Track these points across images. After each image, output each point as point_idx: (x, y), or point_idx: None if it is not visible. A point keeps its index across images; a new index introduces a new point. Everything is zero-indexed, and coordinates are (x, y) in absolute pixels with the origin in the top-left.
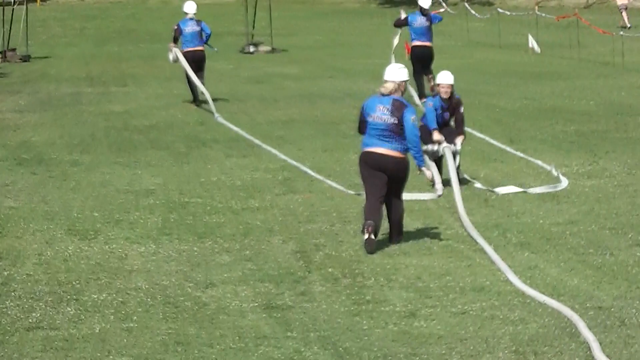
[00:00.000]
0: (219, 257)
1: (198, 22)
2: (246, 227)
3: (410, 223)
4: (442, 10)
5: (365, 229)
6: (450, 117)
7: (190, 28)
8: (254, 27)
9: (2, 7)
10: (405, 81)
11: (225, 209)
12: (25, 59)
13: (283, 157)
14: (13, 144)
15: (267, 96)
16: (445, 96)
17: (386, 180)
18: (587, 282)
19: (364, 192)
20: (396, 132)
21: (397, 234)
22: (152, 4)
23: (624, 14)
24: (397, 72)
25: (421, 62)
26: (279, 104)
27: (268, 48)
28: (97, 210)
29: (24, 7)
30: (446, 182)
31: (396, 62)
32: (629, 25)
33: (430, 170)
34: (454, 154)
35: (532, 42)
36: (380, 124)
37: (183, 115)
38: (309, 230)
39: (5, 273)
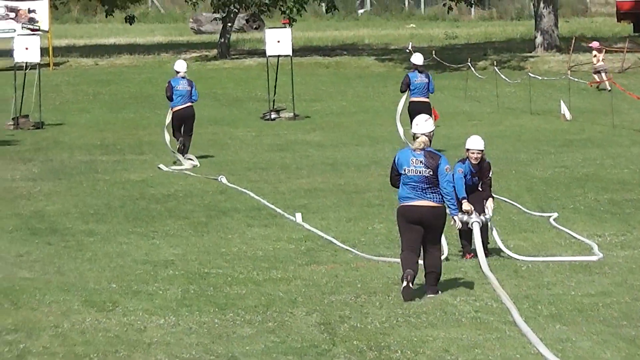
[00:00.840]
0: (241, 329)
1: (189, 82)
2: (268, 298)
3: (438, 296)
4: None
5: (405, 278)
6: (479, 181)
7: (181, 86)
8: (275, 93)
9: (13, 72)
10: (433, 131)
11: (247, 280)
12: (38, 125)
13: (307, 226)
14: (27, 214)
15: (290, 164)
16: (475, 162)
17: (422, 232)
18: (620, 355)
19: (401, 244)
20: (432, 183)
21: (433, 283)
22: (169, 68)
23: (603, 75)
24: (425, 125)
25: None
26: (302, 172)
27: (290, 114)
28: (114, 282)
29: (37, 71)
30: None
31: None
32: (609, 89)
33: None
34: (485, 223)
35: (563, 109)
36: (416, 177)
37: (202, 184)
38: (333, 302)
39: (21, 346)
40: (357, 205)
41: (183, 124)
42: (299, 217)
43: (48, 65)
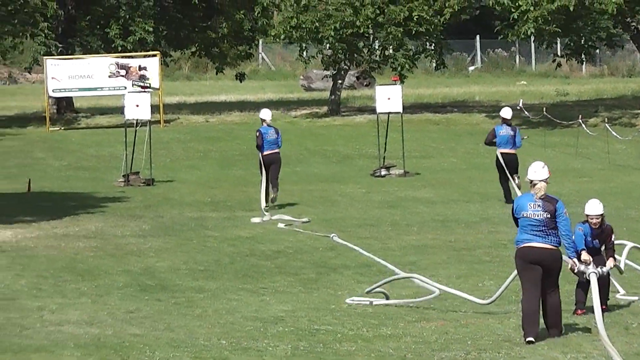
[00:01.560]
0: None
1: (276, 130)
2: (378, 355)
3: (547, 352)
4: (525, 137)
5: (526, 335)
6: (600, 244)
7: (270, 135)
8: (385, 150)
9: (124, 129)
10: (549, 177)
11: (356, 337)
12: (149, 182)
13: (418, 281)
14: (136, 270)
15: (400, 221)
16: (595, 227)
17: (541, 274)
18: None
19: (522, 288)
20: (549, 226)
21: (556, 327)
22: (279, 126)
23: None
24: (542, 172)
25: (508, 167)
26: (412, 228)
27: (401, 171)
28: (224, 338)
29: (147, 129)
30: (589, 309)
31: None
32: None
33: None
34: (602, 276)
35: None
36: (534, 221)
37: (312, 240)
38: (443, 359)
39: None
40: (467, 262)
41: (270, 168)
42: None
43: (158, 122)
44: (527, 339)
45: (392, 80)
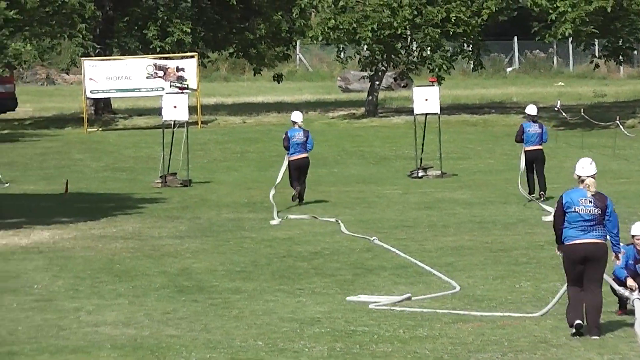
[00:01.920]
0: None
1: (305, 131)
2: (414, 356)
3: (583, 353)
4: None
5: (575, 327)
6: None
7: (297, 137)
8: (422, 151)
9: (162, 130)
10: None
11: (393, 338)
12: (186, 183)
13: (453, 283)
14: (173, 271)
15: (437, 222)
16: None
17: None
18: None
19: (567, 280)
20: (599, 221)
21: (595, 326)
22: (317, 126)
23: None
24: (590, 167)
25: (533, 164)
26: (449, 230)
27: (438, 172)
28: (260, 339)
29: (185, 130)
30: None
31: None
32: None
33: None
34: None
35: None
36: (585, 215)
37: (349, 241)
38: None
39: None
40: (504, 263)
41: (299, 172)
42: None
43: (196, 123)
44: (576, 322)
45: (430, 81)
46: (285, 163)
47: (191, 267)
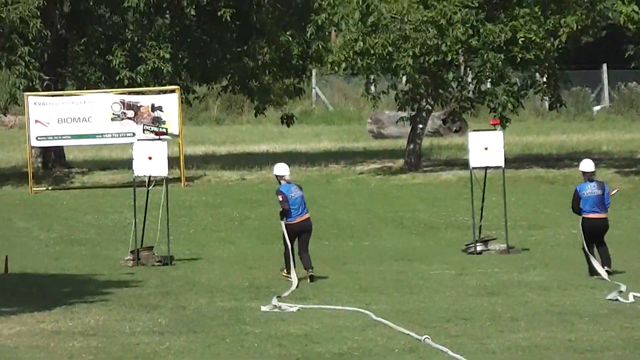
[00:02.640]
0: None
1: (299, 186)
2: None
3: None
4: (615, 191)
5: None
6: None
7: (295, 194)
8: (482, 218)
9: (133, 190)
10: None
11: None
12: (166, 261)
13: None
14: None
15: (502, 313)
16: None
17: None
18: None
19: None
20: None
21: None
22: (340, 185)
23: None
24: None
25: (593, 236)
26: (519, 323)
27: (503, 246)
28: None
29: (164, 189)
30: None
31: None
32: None
33: None
34: None
35: None
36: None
37: (385, 339)
38: None
39: None
40: None
41: (305, 238)
42: None
43: (179, 180)
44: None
45: (491, 124)
46: (284, 229)
47: None
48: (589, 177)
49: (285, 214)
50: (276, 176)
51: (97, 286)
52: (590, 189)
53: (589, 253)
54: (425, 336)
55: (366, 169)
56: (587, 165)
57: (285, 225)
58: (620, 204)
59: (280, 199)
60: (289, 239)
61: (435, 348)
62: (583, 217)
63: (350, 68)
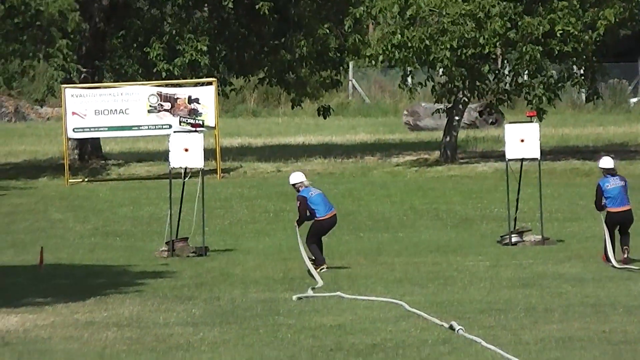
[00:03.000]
0: None
1: (318, 189)
2: None
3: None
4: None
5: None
6: None
7: (313, 192)
8: (517, 209)
9: (169, 181)
10: None
11: None
12: (201, 252)
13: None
14: None
15: (537, 305)
16: None
17: None
18: None
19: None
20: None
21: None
22: (376, 177)
23: None
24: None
25: (619, 227)
26: (553, 315)
27: (538, 238)
28: None
29: (200, 181)
30: None
31: None
32: None
33: None
34: None
35: None
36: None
37: (418, 330)
38: None
39: None
40: None
41: (325, 234)
42: None
43: (215, 172)
44: None
45: (527, 116)
46: (297, 230)
47: None
48: (609, 172)
49: (301, 222)
50: (293, 185)
51: (132, 277)
52: (614, 181)
53: (607, 240)
54: (459, 327)
55: (402, 161)
56: (606, 162)
57: (316, 221)
58: None
59: (299, 204)
60: (319, 235)
61: (469, 339)
62: (608, 211)
63: (387, 60)
